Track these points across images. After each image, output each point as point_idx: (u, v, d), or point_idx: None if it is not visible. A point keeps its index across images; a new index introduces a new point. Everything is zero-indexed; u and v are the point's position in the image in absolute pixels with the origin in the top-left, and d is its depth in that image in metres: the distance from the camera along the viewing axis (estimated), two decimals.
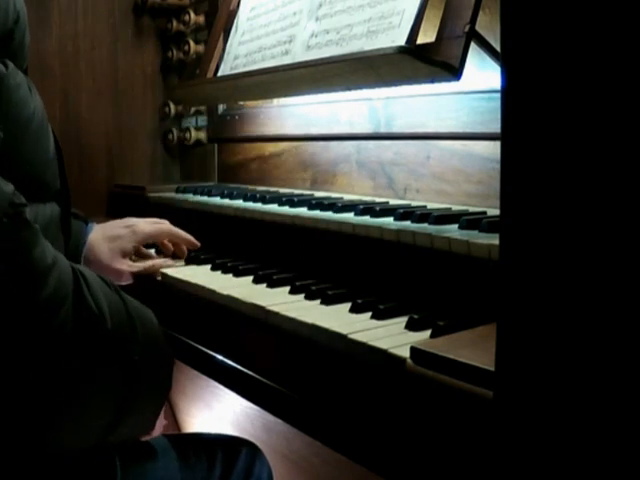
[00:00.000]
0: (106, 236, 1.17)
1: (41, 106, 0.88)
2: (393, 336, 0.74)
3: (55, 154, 0.92)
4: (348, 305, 0.86)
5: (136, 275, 1.17)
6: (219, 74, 1.42)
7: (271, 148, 1.56)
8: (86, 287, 0.69)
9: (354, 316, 0.84)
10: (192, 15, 1.72)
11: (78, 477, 0.84)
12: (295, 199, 1.19)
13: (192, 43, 1.70)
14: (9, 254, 0.61)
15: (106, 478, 0.90)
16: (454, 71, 0.88)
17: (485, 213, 1.00)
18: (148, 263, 1.20)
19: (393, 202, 1.17)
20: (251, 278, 1.05)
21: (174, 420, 2.12)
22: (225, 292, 0.97)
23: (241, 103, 1.67)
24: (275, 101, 1.56)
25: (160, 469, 0.98)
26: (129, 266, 1.17)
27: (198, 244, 1.26)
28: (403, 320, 0.79)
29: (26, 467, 0.78)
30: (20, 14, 0.85)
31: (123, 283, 1.15)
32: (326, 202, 1.13)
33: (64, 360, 0.65)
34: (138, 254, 1.26)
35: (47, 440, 0.71)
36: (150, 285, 1.16)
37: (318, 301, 0.90)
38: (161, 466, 0.98)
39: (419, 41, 0.96)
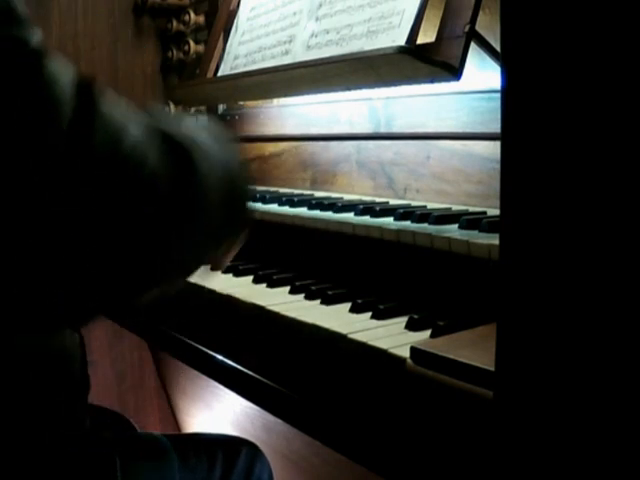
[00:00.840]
0: None
1: None
2: (393, 336, 0.74)
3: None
4: (348, 305, 0.87)
5: None
6: (219, 74, 1.42)
7: (271, 148, 1.56)
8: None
9: (354, 316, 0.84)
10: (192, 15, 1.72)
11: (78, 477, 0.84)
12: (295, 199, 1.19)
13: (192, 43, 1.70)
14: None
15: (106, 478, 0.90)
16: (454, 71, 0.88)
17: (485, 213, 1.00)
18: None
19: (393, 202, 1.17)
20: (251, 278, 1.05)
21: (174, 420, 2.13)
22: (225, 292, 0.97)
23: (241, 103, 1.67)
24: (275, 101, 1.56)
25: (160, 469, 0.98)
26: None
27: None
28: (403, 320, 0.79)
29: (26, 465, 0.78)
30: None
31: None
32: (326, 202, 1.13)
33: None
34: None
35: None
36: None
37: (318, 301, 0.90)
38: (161, 466, 0.98)
39: (419, 41, 0.96)
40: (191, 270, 0.73)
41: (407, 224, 0.95)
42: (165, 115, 0.66)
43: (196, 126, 0.72)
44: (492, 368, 0.52)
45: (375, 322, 0.81)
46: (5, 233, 0.52)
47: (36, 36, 0.52)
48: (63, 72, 0.52)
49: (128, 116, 0.59)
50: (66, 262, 0.55)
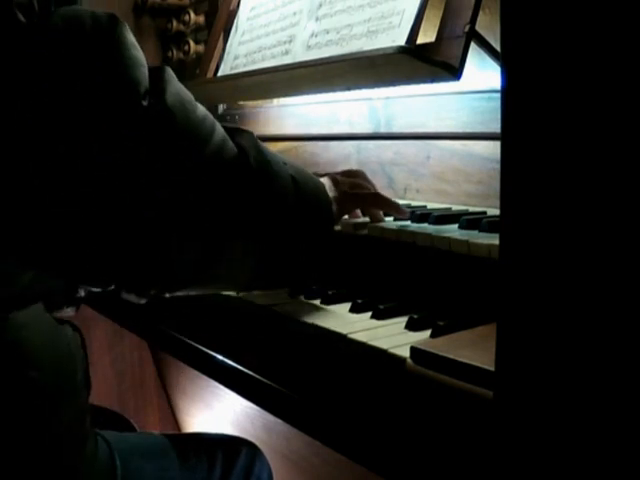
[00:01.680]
0: None
1: None
2: (393, 336, 0.74)
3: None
4: (348, 305, 0.87)
5: None
6: (219, 74, 1.42)
7: (271, 148, 1.55)
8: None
9: (354, 316, 0.84)
10: (192, 15, 1.72)
11: (79, 476, 0.84)
12: None
13: (192, 43, 1.70)
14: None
15: (106, 478, 0.90)
16: (454, 71, 0.88)
17: (485, 213, 1.00)
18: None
19: None
20: None
21: (174, 420, 2.13)
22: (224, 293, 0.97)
23: (241, 103, 1.67)
24: (275, 101, 1.56)
25: (160, 469, 0.98)
26: None
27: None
28: (403, 320, 0.79)
29: (26, 464, 0.78)
30: None
31: None
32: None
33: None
34: None
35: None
36: None
37: (318, 301, 0.90)
38: (161, 466, 0.98)
39: (419, 41, 0.96)
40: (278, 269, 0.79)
41: (407, 224, 0.95)
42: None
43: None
44: (492, 368, 0.52)
45: (375, 322, 0.81)
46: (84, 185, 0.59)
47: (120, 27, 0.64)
48: (141, 55, 0.63)
49: (193, 101, 0.68)
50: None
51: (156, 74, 0.64)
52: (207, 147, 0.66)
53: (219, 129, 0.70)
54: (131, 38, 0.64)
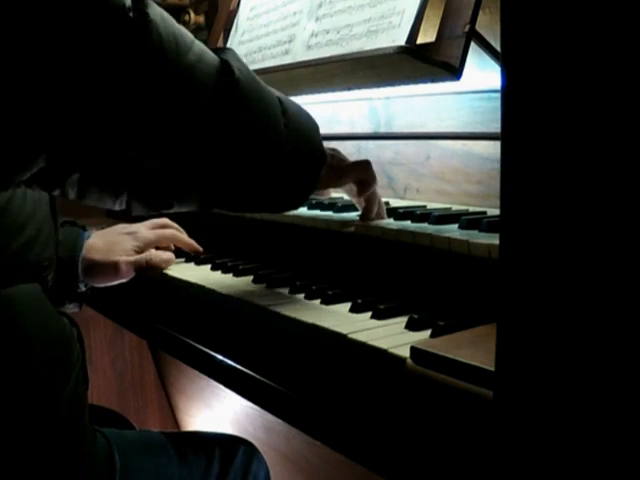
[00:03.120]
0: (106, 240, 1.15)
1: None
2: (393, 336, 0.74)
3: None
4: (348, 305, 0.87)
5: (137, 269, 1.12)
6: None
7: None
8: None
9: (354, 316, 0.84)
10: (192, 15, 1.72)
11: (78, 474, 0.84)
12: None
13: None
14: None
15: (105, 475, 0.90)
16: (454, 71, 0.88)
17: (485, 213, 1.00)
18: (146, 254, 1.14)
19: (393, 202, 1.17)
20: (251, 278, 1.05)
21: (174, 420, 2.13)
22: (225, 292, 0.97)
23: None
24: None
25: (158, 465, 0.98)
26: (126, 256, 1.11)
27: (201, 249, 1.21)
28: (403, 320, 0.79)
29: (26, 463, 0.78)
30: None
31: (124, 280, 1.13)
32: (326, 202, 1.13)
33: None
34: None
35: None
36: (145, 284, 1.16)
37: (318, 300, 0.90)
38: (159, 462, 0.99)
39: (419, 41, 0.96)
40: (267, 187, 0.79)
41: (407, 224, 0.95)
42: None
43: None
44: (492, 368, 0.52)
45: (375, 322, 0.81)
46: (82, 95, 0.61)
47: None
48: None
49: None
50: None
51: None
52: (189, 54, 0.68)
53: (200, 46, 0.72)
54: None
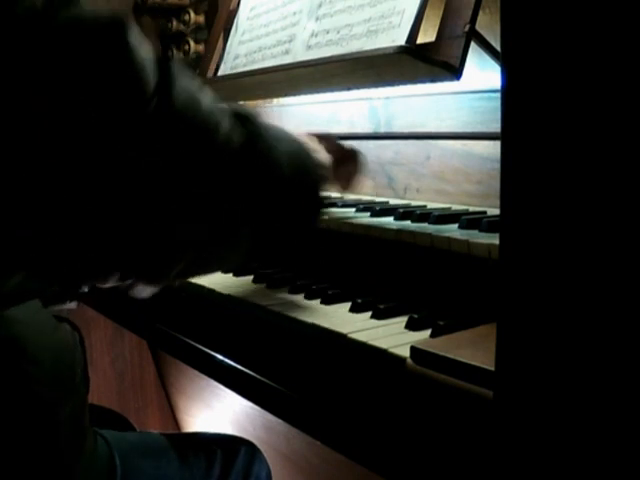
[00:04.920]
0: None
1: None
2: (393, 336, 0.74)
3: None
4: (348, 305, 0.87)
5: None
6: (219, 74, 1.42)
7: None
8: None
9: (354, 315, 0.84)
10: (192, 15, 1.72)
11: (78, 476, 0.84)
12: None
13: (192, 43, 1.70)
14: None
15: (106, 477, 0.90)
16: (454, 71, 0.88)
17: (485, 213, 1.00)
18: None
19: (393, 202, 1.17)
20: (251, 278, 1.05)
21: (174, 420, 2.13)
22: (225, 292, 0.97)
23: (241, 103, 1.67)
24: (275, 101, 1.56)
25: (159, 468, 0.98)
26: None
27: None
28: (403, 320, 0.79)
29: (26, 464, 0.78)
30: None
31: None
32: (326, 202, 1.12)
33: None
34: None
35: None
36: None
37: (318, 300, 0.90)
38: (160, 465, 0.99)
39: (419, 41, 0.96)
40: (267, 239, 0.79)
41: (407, 224, 0.95)
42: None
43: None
44: (492, 368, 0.52)
45: (375, 322, 0.81)
46: (91, 181, 0.59)
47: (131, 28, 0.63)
48: (147, 54, 0.63)
49: (201, 90, 0.68)
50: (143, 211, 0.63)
51: (162, 72, 0.64)
52: (215, 140, 0.66)
53: (225, 120, 0.69)
54: (134, 40, 0.63)
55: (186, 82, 0.66)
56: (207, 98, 0.68)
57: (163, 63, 0.65)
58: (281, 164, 0.75)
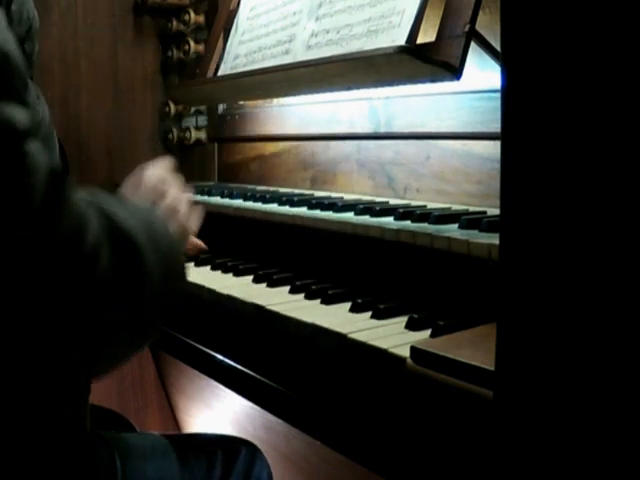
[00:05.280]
0: None
1: (48, 113, 0.88)
2: (393, 336, 0.75)
3: (60, 161, 0.91)
4: (348, 305, 0.87)
5: None
6: (219, 74, 1.42)
7: (271, 148, 1.56)
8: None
9: (354, 316, 0.84)
10: (192, 15, 1.72)
11: (79, 476, 0.84)
12: (295, 199, 1.19)
13: (192, 43, 1.70)
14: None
15: (106, 478, 0.90)
16: (454, 71, 0.88)
17: (485, 213, 1.00)
18: None
19: (393, 202, 1.17)
20: (251, 278, 1.05)
21: (174, 420, 2.13)
22: (225, 292, 0.97)
23: (241, 103, 1.67)
24: (275, 101, 1.56)
25: (160, 469, 0.98)
26: None
27: (205, 247, 1.20)
28: (403, 320, 0.79)
29: (27, 465, 0.78)
30: (32, 24, 0.84)
31: None
32: (326, 202, 1.13)
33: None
34: None
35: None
36: None
37: (318, 301, 0.90)
38: (161, 466, 0.98)
39: (419, 40, 0.96)
40: (143, 337, 0.76)
41: (407, 224, 0.95)
42: (110, 199, 0.71)
43: (138, 209, 0.76)
44: (492, 368, 0.52)
45: (375, 322, 0.81)
46: None
47: (25, 114, 0.56)
48: (41, 161, 0.57)
49: (89, 210, 0.63)
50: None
51: (55, 187, 0.58)
52: (93, 274, 0.62)
53: (105, 247, 0.64)
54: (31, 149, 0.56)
55: (76, 201, 0.61)
56: (94, 220, 0.63)
57: (56, 178, 0.59)
58: (152, 278, 0.71)
